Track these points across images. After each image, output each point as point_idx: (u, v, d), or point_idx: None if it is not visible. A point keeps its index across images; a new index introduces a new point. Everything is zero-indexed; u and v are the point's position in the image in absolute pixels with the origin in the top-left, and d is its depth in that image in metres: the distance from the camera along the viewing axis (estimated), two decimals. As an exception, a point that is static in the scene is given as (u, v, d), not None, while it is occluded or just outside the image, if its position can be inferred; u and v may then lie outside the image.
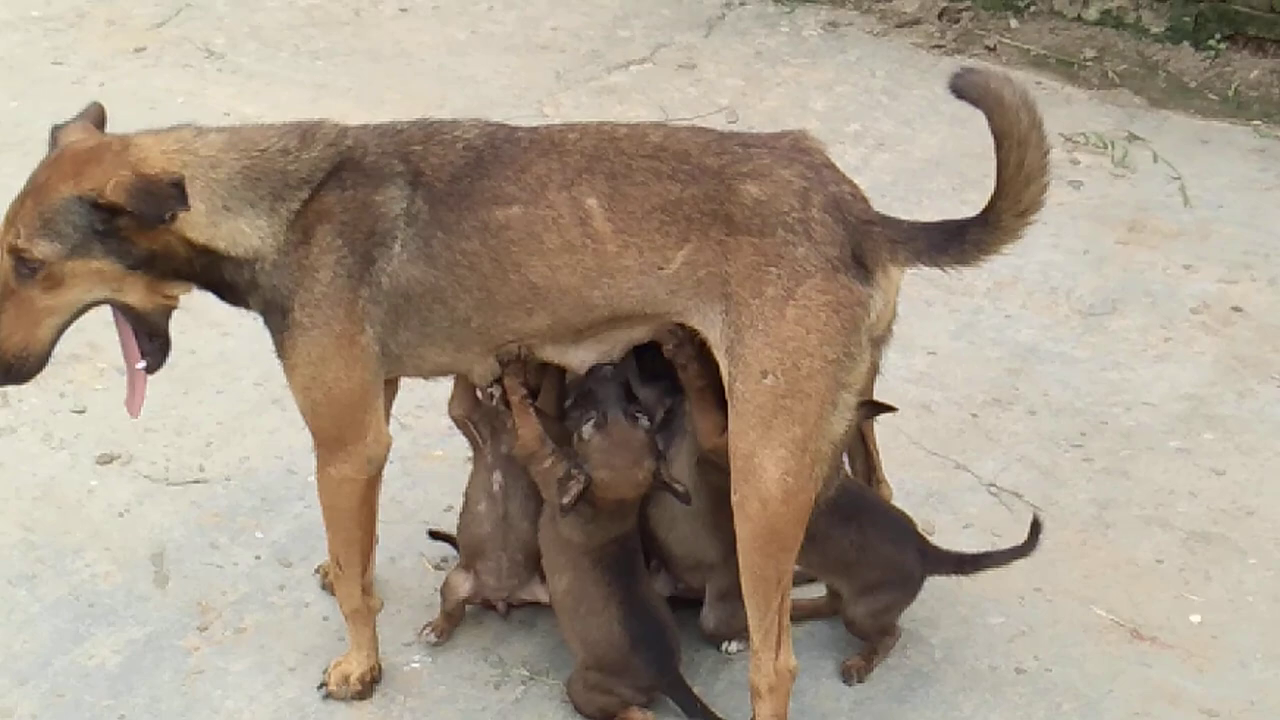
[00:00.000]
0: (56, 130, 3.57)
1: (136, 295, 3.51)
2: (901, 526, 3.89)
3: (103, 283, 3.46)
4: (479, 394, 3.74)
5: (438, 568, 4.19)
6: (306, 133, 3.53)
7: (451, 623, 4.00)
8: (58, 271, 3.40)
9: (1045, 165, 3.27)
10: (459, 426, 3.92)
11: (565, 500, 3.60)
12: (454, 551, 4.09)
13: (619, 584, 3.71)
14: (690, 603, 3.93)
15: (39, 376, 4.69)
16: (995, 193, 3.31)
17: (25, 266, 3.39)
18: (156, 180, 3.31)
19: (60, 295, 3.45)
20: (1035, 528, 3.86)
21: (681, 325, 3.47)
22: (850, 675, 3.88)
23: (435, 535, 4.23)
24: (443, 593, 3.98)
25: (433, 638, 3.98)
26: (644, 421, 3.65)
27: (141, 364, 3.63)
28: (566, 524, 3.69)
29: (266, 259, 3.46)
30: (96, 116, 3.62)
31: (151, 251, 3.42)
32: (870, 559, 3.81)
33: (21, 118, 6.16)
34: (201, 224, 3.41)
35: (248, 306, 3.60)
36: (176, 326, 4.86)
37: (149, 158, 3.40)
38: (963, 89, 3.28)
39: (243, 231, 3.44)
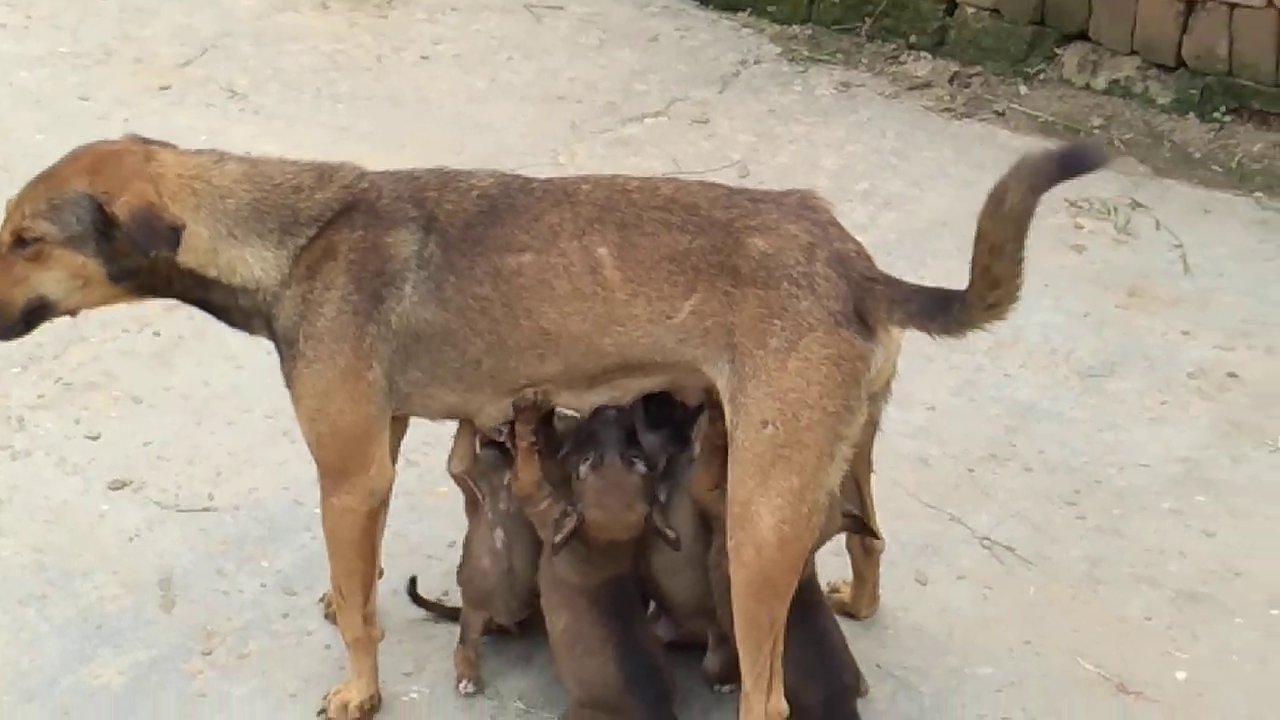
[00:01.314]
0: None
1: (92, 299, 3.60)
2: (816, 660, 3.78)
3: (75, 278, 3.53)
4: (492, 435, 3.78)
5: (439, 601, 4.24)
6: (324, 173, 3.65)
7: (474, 664, 4.00)
8: (47, 252, 3.50)
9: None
10: (458, 483, 3.97)
11: (558, 538, 3.66)
12: (452, 587, 4.16)
13: (615, 625, 3.75)
14: (689, 647, 3.98)
15: (55, 404, 4.91)
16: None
17: (21, 239, 3.50)
18: (160, 218, 3.43)
19: (40, 272, 3.53)
20: None
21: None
22: None
23: (415, 597, 4.23)
24: (461, 630, 4.02)
25: (470, 688, 3.98)
26: (640, 466, 3.70)
27: None
28: (561, 563, 3.75)
29: (268, 290, 3.56)
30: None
31: (138, 265, 3.52)
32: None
33: (47, 150, 6.12)
34: (200, 249, 3.52)
35: (250, 331, 3.70)
36: (191, 358, 5.03)
37: (167, 175, 3.52)
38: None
39: (245, 260, 3.55)
